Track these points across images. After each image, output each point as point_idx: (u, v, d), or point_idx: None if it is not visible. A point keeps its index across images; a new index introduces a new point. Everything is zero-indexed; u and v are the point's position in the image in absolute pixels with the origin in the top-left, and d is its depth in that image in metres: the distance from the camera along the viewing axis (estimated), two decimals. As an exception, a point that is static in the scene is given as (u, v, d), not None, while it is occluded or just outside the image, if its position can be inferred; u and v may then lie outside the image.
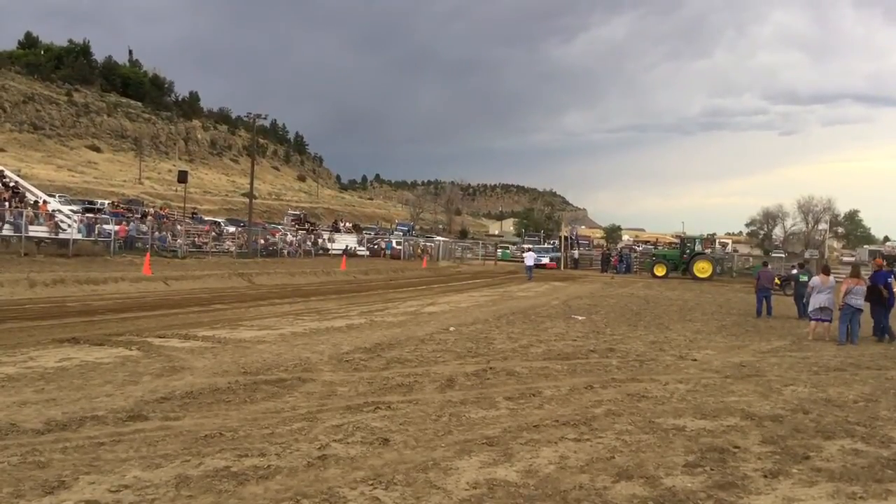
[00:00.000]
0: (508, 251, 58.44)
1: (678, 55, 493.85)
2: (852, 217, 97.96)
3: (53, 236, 25.86)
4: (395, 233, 67.15)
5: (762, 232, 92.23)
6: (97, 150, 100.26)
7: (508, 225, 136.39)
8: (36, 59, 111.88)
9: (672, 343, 12.24)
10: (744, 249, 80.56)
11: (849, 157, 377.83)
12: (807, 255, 58.03)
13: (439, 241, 61.56)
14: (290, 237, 43.98)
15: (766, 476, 4.97)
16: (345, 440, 5.53)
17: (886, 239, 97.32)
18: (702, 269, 38.85)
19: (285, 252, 39.28)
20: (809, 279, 15.92)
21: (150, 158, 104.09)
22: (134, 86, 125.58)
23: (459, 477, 4.74)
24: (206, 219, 50.18)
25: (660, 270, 39.73)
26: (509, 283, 31.04)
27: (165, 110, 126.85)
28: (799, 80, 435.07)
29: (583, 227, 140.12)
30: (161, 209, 47.74)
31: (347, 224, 67.42)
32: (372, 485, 4.52)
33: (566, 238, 52.76)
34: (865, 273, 16.61)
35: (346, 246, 46.43)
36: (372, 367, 8.85)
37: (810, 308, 14.11)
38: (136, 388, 7.11)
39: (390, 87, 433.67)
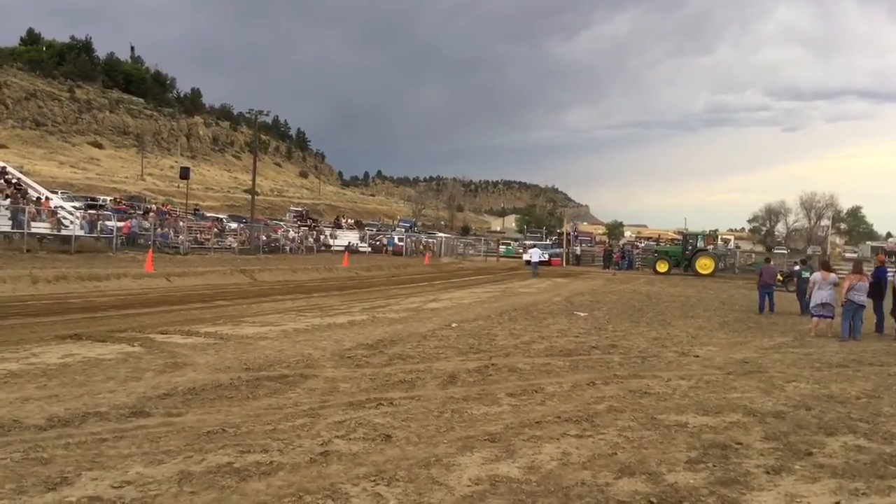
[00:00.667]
0: (511, 247, 58.46)
1: (681, 52, 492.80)
2: (855, 213, 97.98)
3: (56, 233, 25.88)
4: (398, 229, 67.08)
5: (765, 228, 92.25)
6: (99, 146, 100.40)
7: (510, 221, 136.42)
8: (38, 55, 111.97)
9: (674, 339, 12.23)
10: (746, 246, 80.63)
11: (852, 154, 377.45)
12: (809, 251, 57.97)
13: (441, 237, 61.62)
14: (292, 233, 43.99)
15: (768, 472, 4.97)
16: (347, 436, 5.53)
17: (889, 235, 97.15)
18: (704, 265, 38.82)
19: (287, 248, 39.29)
20: (812, 275, 15.90)
21: (152, 155, 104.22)
22: (136, 82, 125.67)
23: (462, 473, 4.74)
24: (209, 215, 50.18)
25: (662, 267, 39.68)
26: (511, 279, 31.03)
27: (167, 107, 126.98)
28: (802, 77, 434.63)
29: (585, 223, 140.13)
30: (163, 205, 47.72)
31: (349, 220, 67.40)
32: (374, 481, 4.52)
33: (567, 234, 52.75)
34: (868, 269, 16.60)
35: (348, 242, 46.44)
36: (374, 363, 8.86)
37: (811, 304, 14.10)
38: (138, 385, 7.12)
39: (392, 83, 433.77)
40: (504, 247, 59.29)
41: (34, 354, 8.56)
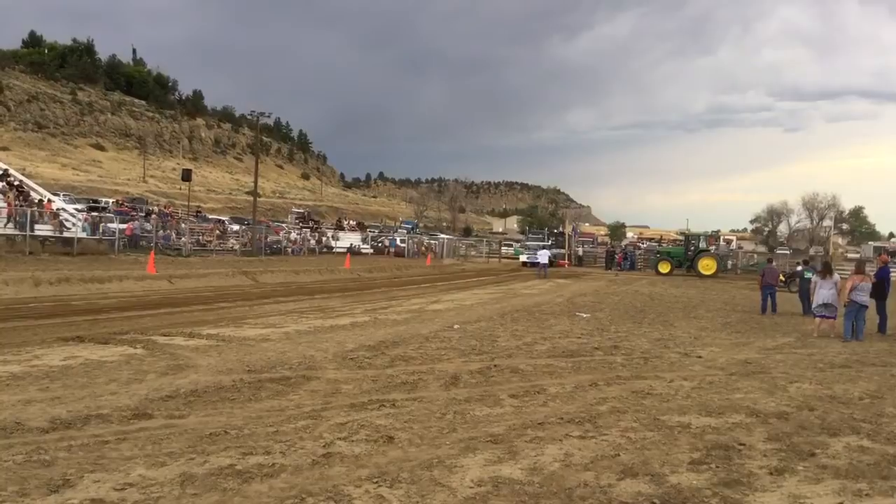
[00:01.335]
0: (519, 248, 58.40)
1: (683, 52, 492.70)
2: (857, 213, 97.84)
3: (58, 235, 25.92)
4: (399, 231, 67.11)
5: (767, 229, 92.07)
6: (101, 148, 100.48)
7: (512, 222, 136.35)
8: (40, 57, 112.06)
9: (677, 340, 12.21)
10: (748, 246, 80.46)
11: (854, 154, 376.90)
12: (812, 251, 57.85)
13: (443, 238, 61.57)
14: (294, 235, 44.03)
15: (771, 473, 4.96)
16: (349, 438, 5.53)
17: (891, 235, 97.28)
18: (706, 266, 38.76)
19: (289, 250, 39.33)
20: (814, 276, 15.87)
21: (154, 157, 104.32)
22: (138, 84, 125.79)
23: (464, 475, 4.73)
24: (211, 217, 50.18)
25: (664, 267, 39.65)
26: (513, 280, 31.02)
27: (169, 109, 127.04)
28: (804, 77, 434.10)
29: (587, 224, 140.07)
30: (165, 207, 47.83)
31: (351, 222, 67.46)
32: (377, 483, 4.52)
33: (568, 235, 52.68)
34: (870, 269, 16.56)
35: (350, 244, 46.45)
36: (376, 364, 8.85)
37: (814, 304, 14.08)
38: (140, 387, 7.12)
39: (394, 85, 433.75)
40: (506, 247, 59.22)
41: (36, 357, 8.57)
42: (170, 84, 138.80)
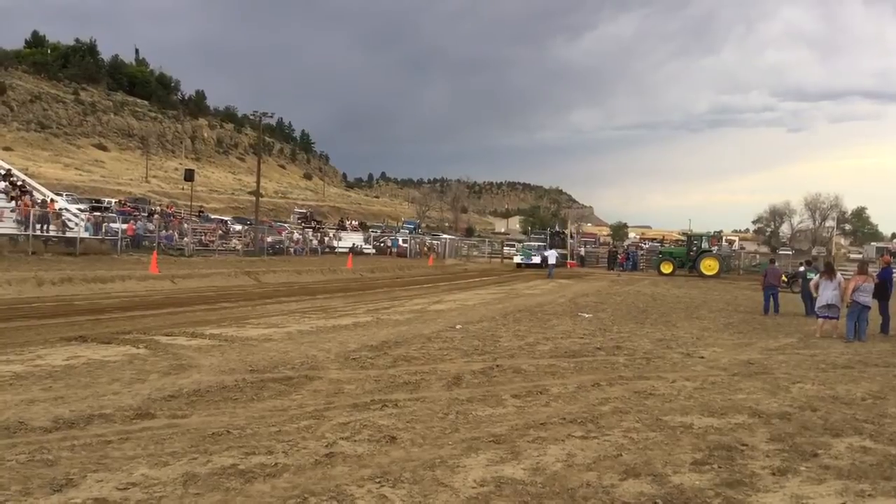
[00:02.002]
0: (524, 248, 58.36)
1: (686, 52, 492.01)
2: (860, 214, 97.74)
3: (61, 235, 25.96)
4: (402, 231, 67.12)
5: (769, 229, 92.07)
6: (104, 148, 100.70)
7: (514, 223, 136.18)
8: (43, 58, 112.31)
9: (679, 341, 12.20)
10: (751, 247, 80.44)
11: (857, 154, 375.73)
12: (814, 252, 57.76)
13: (445, 238, 61.56)
14: (296, 235, 44.04)
15: (774, 474, 4.95)
16: (352, 438, 5.53)
17: (894, 236, 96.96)
18: (709, 266, 38.73)
19: (292, 250, 39.32)
20: (816, 277, 15.85)
21: (156, 157, 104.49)
22: (140, 85, 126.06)
23: (467, 475, 4.74)
24: (213, 217, 50.24)
25: (666, 268, 39.63)
26: (515, 280, 31.02)
27: (172, 109, 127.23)
28: (807, 77, 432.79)
29: (589, 224, 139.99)
30: (168, 207, 47.87)
31: (353, 222, 67.58)
32: (379, 482, 4.52)
33: (570, 235, 52.65)
34: (873, 270, 16.52)
35: (353, 244, 46.43)
36: (379, 364, 8.86)
37: (817, 305, 14.05)
38: (143, 386, 7.13)
39: (396, 85, 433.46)
40: (508, 248, 59.15)
41: (39, 356, 8.59)
42: (172, 84, 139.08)
